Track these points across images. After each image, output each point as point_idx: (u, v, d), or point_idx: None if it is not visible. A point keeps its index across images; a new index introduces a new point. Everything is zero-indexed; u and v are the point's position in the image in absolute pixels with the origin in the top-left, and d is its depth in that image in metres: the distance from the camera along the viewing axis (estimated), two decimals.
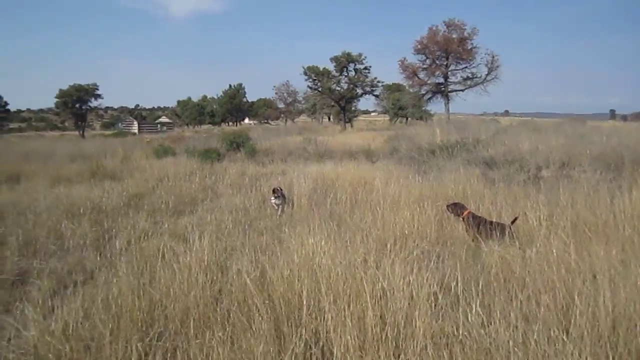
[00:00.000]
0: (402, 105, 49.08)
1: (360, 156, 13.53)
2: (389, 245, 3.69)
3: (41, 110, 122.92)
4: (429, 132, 15.62)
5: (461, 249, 3.98)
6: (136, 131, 61.24)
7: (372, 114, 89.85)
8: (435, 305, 2.63)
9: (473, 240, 4.37)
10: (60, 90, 49.24)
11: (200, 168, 10.43)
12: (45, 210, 6.04)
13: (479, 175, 7.59)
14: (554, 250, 3.35)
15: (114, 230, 5.33)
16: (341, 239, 3.83)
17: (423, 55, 34.86)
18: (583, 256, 3.25)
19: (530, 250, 3.55)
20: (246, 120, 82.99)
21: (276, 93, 65.41)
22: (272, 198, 6.46)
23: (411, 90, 37.73)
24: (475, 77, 34.30)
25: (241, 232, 5.01)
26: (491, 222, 4.48)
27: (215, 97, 78.89)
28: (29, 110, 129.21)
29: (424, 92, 36.23)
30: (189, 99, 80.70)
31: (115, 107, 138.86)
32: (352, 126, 46.91)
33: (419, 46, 34.49)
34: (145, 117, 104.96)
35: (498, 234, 4.14)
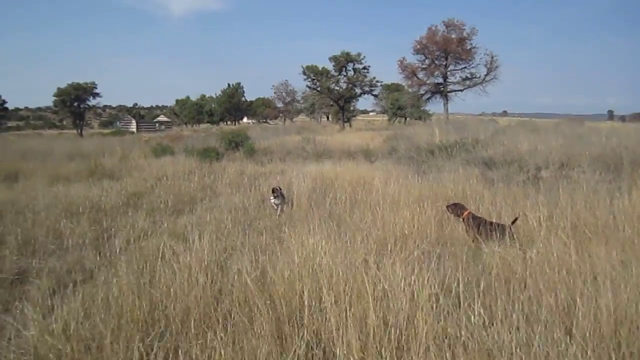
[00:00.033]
0: (400, 105, 49.17)
1: (359, 156, 13.54)
2: (389, 246, 3.70)
3: (39, 109, 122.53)
4: (427, 132, 15.64)
5: (461, 250, 3.97)
6: (134, 130, 61.23)
7: (371, 113, 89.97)
8: (436, 306, 2.63)
9: (473, 240, 4.36)
10: (59, 88, 49.19)
11: (199, 167, 10.42)
12: (44, 209, 6.01)
13: (478, 176, 7.59)
14: (555, 251, 3.35)
15: (113, 229, 5.31)
16: (341, 239, 3.83)
17: (422, 55, 34.97)
18: (583, 257, 3.26)
19: (531, 251, 3.55)
20: (245, 120, 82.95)
21: (275, 92, 65.60)
22: (272, 198, 6.45)
23: (410, 90, 37.82)
24: (474, 78, 34.44)
25: (241, 231, 4.99)
26: (491, 223, 4.47)
27: (214, 96, 78.93)
28: (27, 108, 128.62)
29: (422, 92, 36.31)
30: (188, 98, 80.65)
31: (114, 105, 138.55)
32: (350, 126, 47.00)
33: (418, 46, 34.57)
34: (144, 116, 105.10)
35: (498, 235, 4.14)
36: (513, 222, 4.40)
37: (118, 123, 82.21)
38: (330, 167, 9.45)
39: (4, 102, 51.39)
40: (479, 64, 33.85)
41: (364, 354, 2.31)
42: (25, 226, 5.25)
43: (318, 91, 45.33)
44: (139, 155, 13.24)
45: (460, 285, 2.74)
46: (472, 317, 2.43)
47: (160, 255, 3.53)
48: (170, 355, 2.45)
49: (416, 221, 4.74)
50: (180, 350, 2.46)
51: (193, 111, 77.37)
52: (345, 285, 2.76)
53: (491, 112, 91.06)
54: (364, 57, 43.07)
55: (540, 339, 2.22)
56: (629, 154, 8.17)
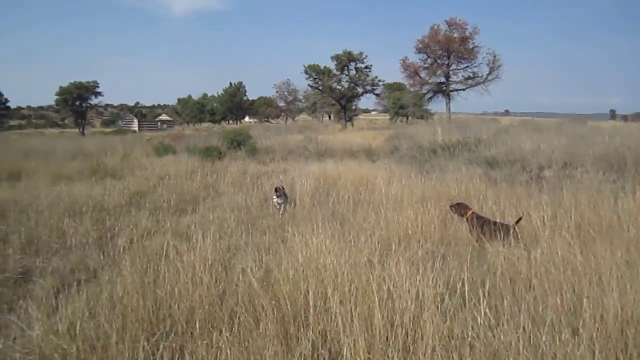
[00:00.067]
0: (402, 104, 48.98)
1: (361, 155, 13.51)
2: (393, 246, 3.69)
3: (41, 108, 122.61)
4: (429, 131, 15.60)
5: (466, 250, 3.96)
6: (136, 129, 61.22)
7: (373, 112, 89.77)
8: (441, 307, 2.62)
9: (477, 240, 4.35)
10: (61, 87, 49.09)
11: (201, 166, 10.44)
12: (46, 208, 6.03)
13: (481, 175, 7.58)
14: (559, 251, 3.34)
15: (116, 228, 5.32)
16: (345, 239, 3.82)
17: (424, 55, 34.80)
18: (588, 257, 3.24)
19: (535, 251, 3.54)
20: (246, 119, 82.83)
21: (277, 91, 65.52)
22: (274, 197, 6.44)
23: (412, 89, 37.69)
24: (477, 77, 34.25)
25: (244, 231, 4.99)
26: (495, 223, 4.46)
27: (216, 95, 78.79)
28: (29, 107, 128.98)
29: (425, 91, 36.18)
30: (190, 96, 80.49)
31: (116, 104, 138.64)
32: (352, 125, 46.83)
33: (420, 45, 34.42)
34: (146, 114, 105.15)
35: (502, 235, 4.13)
36: (517, 222, 4.38)
37: (120, 122, 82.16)
38: (333, 166, 9.45)
39: (6, 100, 51.41)
40: (481, 63, 33.71)
41: (370, 354, 2.30)
42: (28, 225, 5.26)
43: (320, 90, 45.24)
44: (141, 154, 13.27)
45: (466, 286, 2.74)
46: (479, 317, 2.42)
47: (163, 255, 3.53)
48: (176, 355, 2.45)
49: (420, 221, 4.73)
50: (186, 350, 2.46)
51: (195, 110, 77.27)
52: (351, 285, 2.76)
53: (493, 111, 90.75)
54: (366, 56, 43.01)
55: (546, 339, 2.21)
56: (632, 153, 8.13)
